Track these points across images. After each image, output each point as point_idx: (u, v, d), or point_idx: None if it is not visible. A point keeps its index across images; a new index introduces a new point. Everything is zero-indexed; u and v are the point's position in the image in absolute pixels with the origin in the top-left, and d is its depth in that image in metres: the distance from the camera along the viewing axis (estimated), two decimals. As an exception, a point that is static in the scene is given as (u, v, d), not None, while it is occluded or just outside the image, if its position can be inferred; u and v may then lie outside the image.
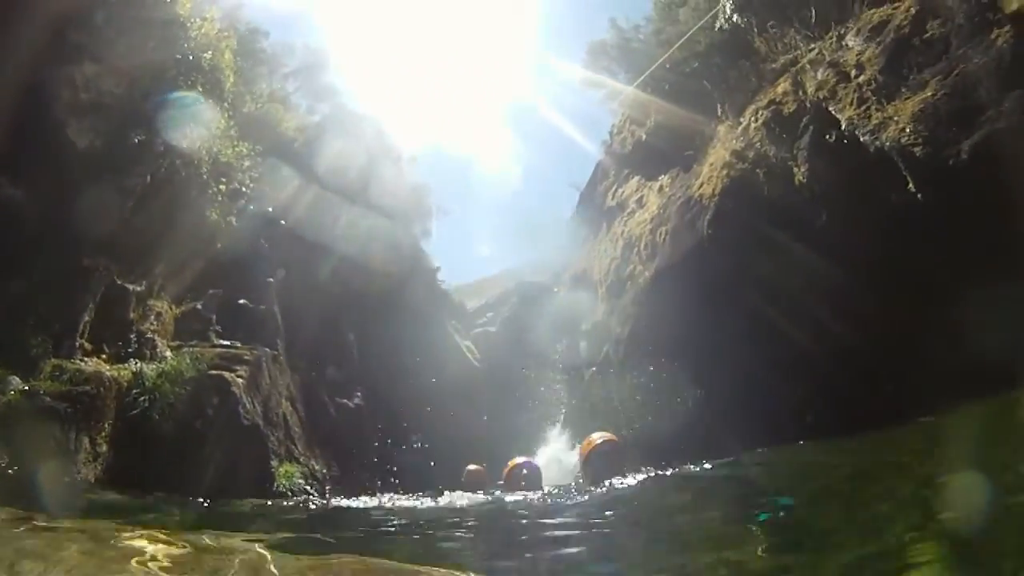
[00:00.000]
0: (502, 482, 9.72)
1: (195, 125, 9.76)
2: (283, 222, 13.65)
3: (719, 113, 11.90)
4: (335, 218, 15.20)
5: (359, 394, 14.32)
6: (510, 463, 9.97)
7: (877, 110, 8.52)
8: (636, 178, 15.84)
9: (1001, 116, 7.01)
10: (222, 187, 10.59)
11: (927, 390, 6.40)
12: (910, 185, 7.99)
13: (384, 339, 15.48)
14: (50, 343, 7.60)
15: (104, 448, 7.55)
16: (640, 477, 7.44)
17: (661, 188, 14.45)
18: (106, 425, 7.68)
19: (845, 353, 8.54)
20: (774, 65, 10.80)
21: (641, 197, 15.36)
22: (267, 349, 11.64)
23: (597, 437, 8.76)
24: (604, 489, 7.17)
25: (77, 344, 8.03)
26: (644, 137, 15.36)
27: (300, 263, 13.66)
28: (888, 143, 8.25)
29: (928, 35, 8.12)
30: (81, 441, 7.14)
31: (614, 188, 16.86)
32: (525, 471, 9.55)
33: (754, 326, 10.00)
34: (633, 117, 16.01)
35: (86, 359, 8.01)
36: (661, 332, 12.22)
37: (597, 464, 8.28)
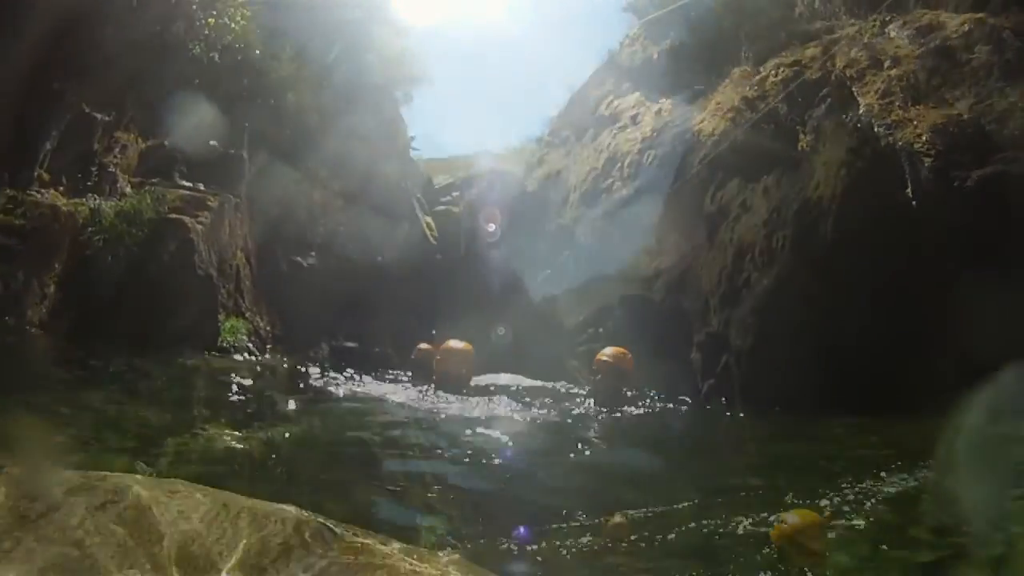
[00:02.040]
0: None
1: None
2: (265, 72, 12.79)
3: (743, 56, 11.47)
4: (316, 70, 14.33)
5: (313, 254, 14.04)
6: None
7: (900, 108, 8.32)
8: (636, 94, 15.29)
9: (1018, 161, 6.96)
10: (211, 20, 9.80)
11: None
12: (908, 189, 7.99)
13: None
14: (6, 173, 7.13)
15: (52, 289, 7.31)
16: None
17: (660, 111, 14.03)
18: (56, 265, 7.41)
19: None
20: (808, 27, 10.41)
21: (637, 115, 14.88)
22: (231, 196, 11.28)
23: (606, 353, 8.54)
24: None
25: (35, 175, 7.56)
26: (656, 56, 14.76)
27: (279, 117, 12.97)
28: (900, 143, 8.14)
29: (974, 56, 7.87)
30: (30, 281, 6.89)
31: (610, 98, 16.26)
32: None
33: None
34: (649, 33, 15.29)
35: (43, 191, 7.58)
36: (627, 253, 12.22)
37: (599, 384, 8.28)
